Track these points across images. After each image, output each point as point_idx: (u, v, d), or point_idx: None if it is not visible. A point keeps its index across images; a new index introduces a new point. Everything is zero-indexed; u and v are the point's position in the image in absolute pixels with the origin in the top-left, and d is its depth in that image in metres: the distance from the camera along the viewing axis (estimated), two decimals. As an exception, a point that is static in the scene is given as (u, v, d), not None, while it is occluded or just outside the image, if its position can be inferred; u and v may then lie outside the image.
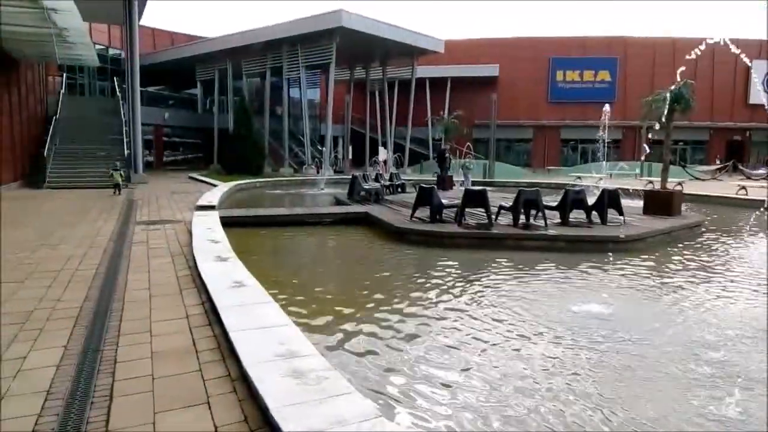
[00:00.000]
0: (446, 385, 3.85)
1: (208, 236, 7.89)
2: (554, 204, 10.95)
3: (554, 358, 4.37)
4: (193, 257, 6.46)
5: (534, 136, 47.08)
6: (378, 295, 6.22)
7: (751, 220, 11.08)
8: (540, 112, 45.97)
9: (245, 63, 33.62)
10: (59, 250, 7.32)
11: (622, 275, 7.42)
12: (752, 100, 43.77)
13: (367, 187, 15.44)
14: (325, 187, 21.35)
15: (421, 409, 3.51)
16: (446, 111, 30.30)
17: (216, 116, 35.92)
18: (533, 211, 10.78)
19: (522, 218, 10.58)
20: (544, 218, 10.36)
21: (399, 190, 17.94)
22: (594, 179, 20.29)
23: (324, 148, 30.88)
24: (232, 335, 3.78)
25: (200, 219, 9.86)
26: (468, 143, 28.67)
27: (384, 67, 37.47)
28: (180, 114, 36.84)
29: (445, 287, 6.59)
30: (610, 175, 22.55)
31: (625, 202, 11.89)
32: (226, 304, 4.48)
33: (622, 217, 11.05)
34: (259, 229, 10.94)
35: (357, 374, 3.97)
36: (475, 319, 5.37)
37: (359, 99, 40.29)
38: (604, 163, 23.54)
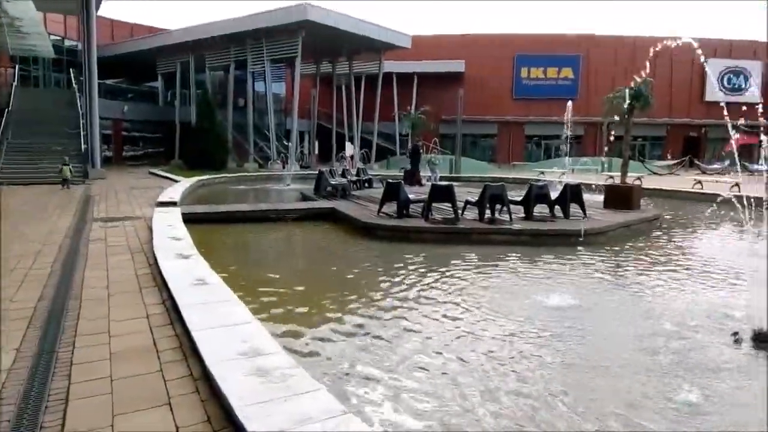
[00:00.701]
0: (416, 382, 3.85)
1: (170, 233, 7.69)
2: (519, 199, 11.13)
3: (517, 351, 4.43)
4: (154, 254, 6.28)
5: (499, 131, 47.74)
6: (344, 291, 6.19)
7: (707, 213, 11.49)
8: (505, 108, 46.62)
9: (208, 56, 32.92)
10: (12, 249, 7.01)
11: (584, 268, 7.59)
12: (708, 98, 45.44)
13: (333, 182, 15.36)
14: (291, 183, 21.12)
15: (391, 404, 3.50)
16: (413, 106, 30.38)
17: (177, 109, 35.05)
18: (498, 206, 10.92)
19: (488, 213, 10.70)
20: (509, 213, 10.51)
21: (366, 185, 17.90)
22: (557, 174, 20.72)
23: (290, 143, 30.54)
24: (195, 334, 3.68)
25: (161, 215, 9.61)
26: (435, 138, 28.86)
27: (351, 62, 37.32)
28: (140, 107, 35.80)
29: (411, 282, 6.60)
30: (573, 170, 23.06)
31: (586, 196, 12.17)
32: (188, 302, 4.37)
33: (584, 212, 11.30)
34: (224, 226, 10.75)
35: (325, 371, 3.93)
36: (441, 313, 5.40)
37: (326, 93, 40.01)
38: (567, 158, 24.06)
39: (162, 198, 12.42)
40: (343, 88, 38.85)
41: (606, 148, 21.77)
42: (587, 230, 9.71)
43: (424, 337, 4.70)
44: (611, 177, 19.47)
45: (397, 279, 6.74)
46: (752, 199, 7.89)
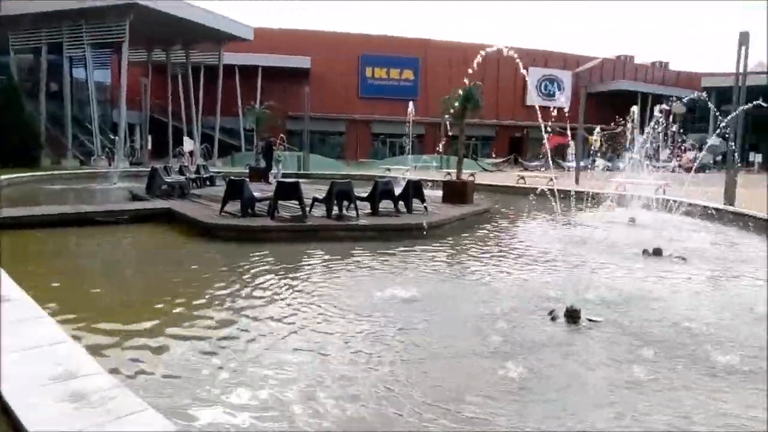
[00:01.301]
0: (253, 390, 3.64)
1: (-40, 242, 6.42)
2: (365, 195, 11.36)
3: (361, 341, 4.45)
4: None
5: (347, 129, 48.58)
6: (181, 299, 5.70)
7: (528, 205, 12.86)
8: (352, 106, 47.54)
9: (12, 36, 28.35)
10: None
11: (425, 259, 7.97)
12: (528, 102, 51.08)
13: (169, 180, 14.21)
14: (119, 181, 19.13)
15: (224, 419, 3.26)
16: (258, 101, 29.48)
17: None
18: (346, 203, 11.03)
19: (335, 209, 10.74)
20: (356, 209, 10.67)
21: (207, 183, 16.93)
22: (401, 171, 21.64)
23: (117, 137, 27.54)
24: (-9, 361, 3.08)
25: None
26: (281, 135, 28.35)
27: (187, 51, 34.96)
28: None
29: (257, 283, 6.33)
30: (415, 167, 24.29)
31: (427, 192, 12.87)
32: (-19, 324, 3.65)
33: (425, 206, 11.91)
34: (37, 231, 9.30)
35: (155, 389, 3.54)
36: (286, 312, 5.24)
37: (160, 84, 36.95)
38: (409, 156, 25.26)
39: (-49, 201, 10.39)
40: (180, 78, 36.29)
41: (439, 147, 23.39)
42: (428, 224, 10.24)
43: (267, 341, 4.49)
44: (449, 174, 20.89)
45: (241, 281, 6.40)
46: (562, 192, 8.97)
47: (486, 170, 35.24)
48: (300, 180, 11.64)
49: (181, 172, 16.37)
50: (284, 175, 18.70)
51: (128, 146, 31.14)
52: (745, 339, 4.69)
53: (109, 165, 24.69)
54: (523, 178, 22.79)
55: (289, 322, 4.98)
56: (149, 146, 33.45)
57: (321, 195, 10.84)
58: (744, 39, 14.79)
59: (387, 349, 4.37)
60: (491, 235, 10.80)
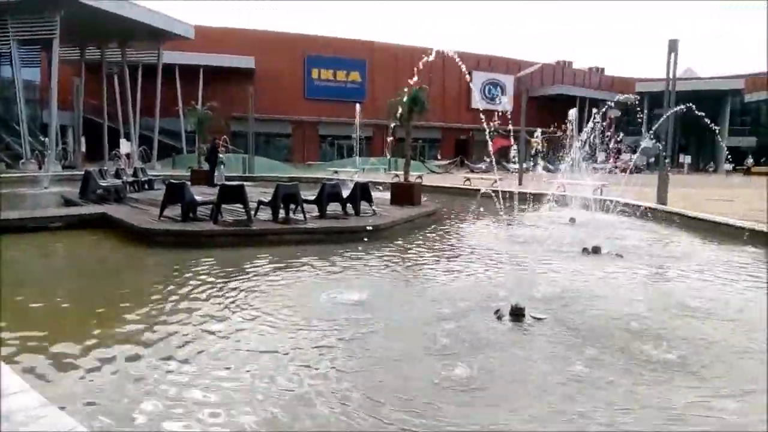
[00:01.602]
0: (201, 404, 3.48)
1: None
2: (312, 198, 11.21)
3: (307, 347, 4.35)
4: None
5: (293, 131, 48.01)
6: (117, 310, 5.40)
7: (473, 206, 13.08)
8: (298, 107, 47.03)
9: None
10: None
11: (374, 262, 7.93)
12: (473, 105, 52.12)
13: (105, 184, 13.55)
14: (51, 186, 18.07)
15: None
16: (200, 101, 28.61)
17: None
18: (292, 206, 10.84)
19: (282, 213, 10.54)
20: (303, 212, 10.51)
21: (146, 187, 16.26)
22: (349, 174, 21.58)
23: (47, 139, 25.99)
24: None
25: None
26: (224, 136, 27.65)
27: (124, 49, 33.50)
28: None
29: (197, 291, 6.08)
30: (363, 169, 24.30)
31: (375, 194, 12.85)
32: None
33: (373, 208, 11.89)
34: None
35: (85, 408, 3.31)
36: (231, 320, 5.06)
37: (94, 83, 35.24)
38: (357, 158, 25.24)
39: None
40: (116, 78, 34.73)
41: (386, 149, 23.52)
42: (376, 226, 10.23)
43: (211, 351, 4.32)
44: (397, 176, 21.00)
45: (179, 290, 6.12)
46: (506, 193, 9.16)
47: (433, 172, 35.70)
48: (245, 183, 11.35)
49: (117, 175, 15.65)
50: (228, 178, 18.24)
51: (60, 148, 29.47)
52: (679, 333, 4.90)
53: (40, 168, 23.30)
54: (469, 179, 23.21)
55: (230, 331, 4.79)
56: (83, 149, 31.80)
57: (267, 198, 10.61)
58: (673, 46, 15.65)
59: (333, 353, 4.29)
60: (439, 236, 10.90)
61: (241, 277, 6.73)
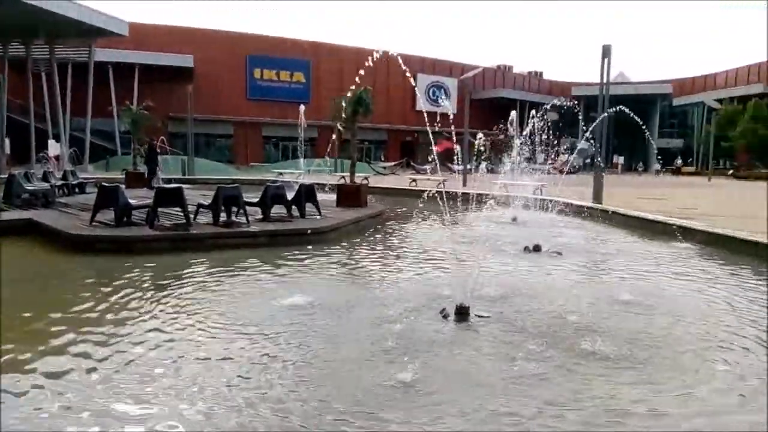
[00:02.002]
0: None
1: None
2: (255, 200, 10.92)
3: (249, 354, 4.19)
4: None
5: (235, 132, 46.90)
6: (39, 322, 5.02)
7: (419, 207, 13.17)
8: (240, 108, 46.01)
9: None
10: None
11: (320, 264, 7.80)
12: (418, 107, 52.67)
13: (31, 188, 12.68)
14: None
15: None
16: (135, 101, 27.40)
17: None
18: (234, 208, 10.52)
19: (223, 216, 10.21)
20: (246, 215, 10.22)
21: (76, 190, 15.38)
22: (294, 175, 21.26)
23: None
24: None
25: None
26: (162, 137, 26.59)
27: (52, 46, 31.63)
28: None
29: (131, 300, 5.75)
30: (309, 171, 24.00)
31: (322, 196, 12.70)
32: None
33: (318, 210, 11.72)
34: None
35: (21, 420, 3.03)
36: (172, 327, 4.81)
37: (19, 81, 33.07)
38: (302, 159, 24.91)
39: None
40: (43, 76, 32.75)
41: (329, 150, 23.38)
42: (322, 228, 10.10)
43: (140, 362, 4.07)
44: (343, 177, 20.87)
45: (110, 300, 5.77)
46: (451, 194, 9.26)
47: (379, 174, 35.78)
48: (184, 185, 10.92)
49: (45, 178, 14.70)
50: (166, 181, 17.55)
51: (-20, 150, 27.52)
52: (617, 327, 5.06)
53: (-44, 172, 21.61)
54: (415, 181, 23.38)
55: (160, 341, 4.54)
56: (7, 150, 29.77)
57: (207, 201, 10.24)
58: (606, 52, 16.35)
59: (277, 359, 4.15)
60: (385, 237, 10.88)
61: (177, 284, 6.44)
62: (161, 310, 5.40)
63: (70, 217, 10.61)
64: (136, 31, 34.21)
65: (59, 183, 15.01)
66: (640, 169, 53.21)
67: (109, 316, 5.22)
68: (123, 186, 10.85)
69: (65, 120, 33.05)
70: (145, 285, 6.39)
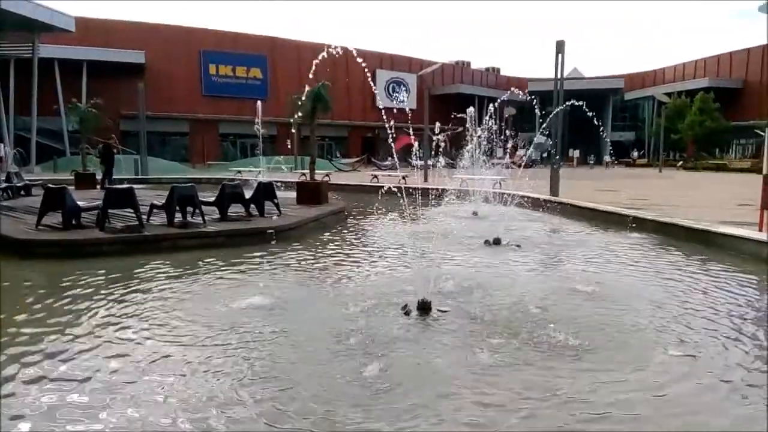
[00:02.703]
0: None
1: None
2: (212, 199, 10.64)
3: (217, 359, 4.06)
4: None
5: (191, 129, 45.72)
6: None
7: (380, 203, 13.13)
8: (196, 105, 44.87)
9: None
10: None
11: (280, 264, 7.66)
12: (378, 104, 52.54)
13: (-30, 191, 12.02)
14: None
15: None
16: (83, 98, 26.29)
17: None
18: (190, 209, 10.22)
19: (179, 216, 9.90)
20: (202, 215, 9.94)
21: (22, 193, 14.66)
22: (253, 173, 20.89)
23: None
24: None
25: None
26: (113, 136, 25.61)
27: (-8, 41, 30.06)
28: None
29: (79, 307, 5.49)
30: (268, 168, 23.63)
31: (282, 194, 12.49)
32: None
33: (278, 209, 11.52)
34: None
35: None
36: (128, 335, 4.61)
37: (-43, 79, 31.31)
38: (261, 157, 24.49)
39: None
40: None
41: (288, 144, 23.05)
42: (281, 226, 9.93)
43: (105, 375, 3.88)
44: (304, 174, 20.62)
45: (57, 307, 5.50)
46: (412, 189, 9.26)
47: (340, 170, 35.58)
48: (136, 186, 10.53)
49: (-14, 181, 13.96)
50: (118, 181, 16.93)
51: None
52: (576, 317, 5.16)
53: None
54: (376, 177, 23.34)
55: (113, 352, 4.35)
56: (-56, 152, 28.11)
57: (161, 201, 9.91)
58: (560, 48, 16.69)
59: (239, 362, 4.03)
60: (346, 234, 10.79)
61: (130, 288, 6.19)
62: (110, 317, 5.16)
63: (15, 220, 10.09)
64: (84, 26, 32.90)
65: (2, 186, 14.26)
66: (591, 162, 54.34)
67: (51, 321, 4.97)
68: (72, 188, 10.39)
69: (8, 119, 31.45)
70: (94, 290, 6.10)
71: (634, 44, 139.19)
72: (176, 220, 9.71)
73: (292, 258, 8.11)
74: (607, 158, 49.97)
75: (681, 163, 49.37)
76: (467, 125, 17.64)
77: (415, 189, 12.00)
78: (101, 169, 18.20)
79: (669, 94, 54.69)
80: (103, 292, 6.05)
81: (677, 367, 4.01)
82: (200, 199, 10.14)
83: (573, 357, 4.16)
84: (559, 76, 16.87)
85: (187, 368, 3.95)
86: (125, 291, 6.07)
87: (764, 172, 9.13)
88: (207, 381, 3.73)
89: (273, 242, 8.65)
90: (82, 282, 6.44)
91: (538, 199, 14.13)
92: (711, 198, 17.63)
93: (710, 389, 3.67)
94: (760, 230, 8.71)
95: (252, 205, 11.16)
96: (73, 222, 9.14)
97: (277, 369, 3.95)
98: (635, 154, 56.62)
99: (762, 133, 12.33)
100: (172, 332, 4.74)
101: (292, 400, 3.45)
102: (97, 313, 5.28)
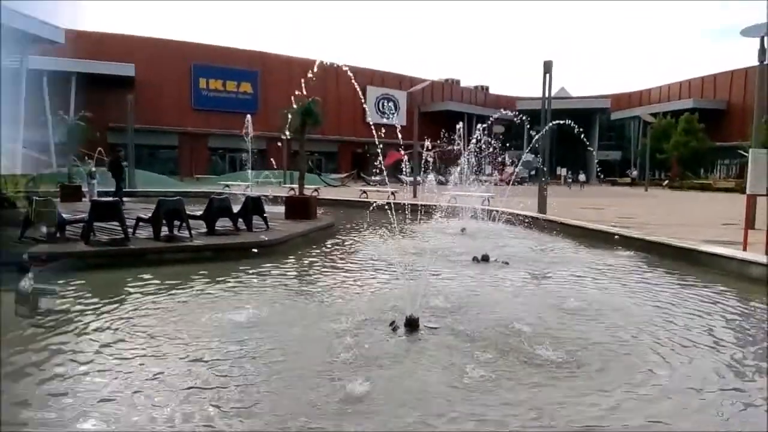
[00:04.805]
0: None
1: None
2: (199, 213, 10.56)
3: (193, 375, 3.98)
4: None
5: (180, 143, 45.58)
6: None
7: (369, 219, 13.11)
8: (185, 118, 44.80)
9: None
10: None
11: (268, 279, 7.59)
12: (368, 119, 52.82)
13: (-48, 202, 11.81)
14: None
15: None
16: (72, 111, 26.13)
17: None
18: (177, 222, 10.13)
19: (165, 230, 9.80)
20: (189, 229, 9.85)
21: (5, 205, 14.39)
22: (241, 187, 20.82)
23: None
24: None
25: None
26: (100, 148, 25.43)
27: (-21, 52, 29.80)
28: None
29: (61, 319, 5.39)
30: (257, 183, 23.55)
31: (270, 208, 12.43)
32: None
33: (266, 223, 11.45)
34: None
35: None
36: (108, 352, 4.51)
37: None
38: (250, 171, 24.42)
39: None
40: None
41: (272, 160, 23.04)
42: (269, 241, 9.87)
43: (87, 391, 3.79)
44: (292, 189, 20.59)
45: (49, 320, 5.39)
46: (401, 205, 9.25)
47: (330, 185, 35.58)
48: (123, 198, 10.43)
49: (-32, 192, 13.70)
50: (104, 194, 16.76)
51: None
52: (564, 334, 5.14)
53: None
54: (365, 192, 23.36)
55: (98, 367, 4.26)
56: (-73, 162, 27.67)
57: (148, 215, 9.81)
58: (548, 67, 16.93)
59: (225, 379, 3.96)
60: (335, 250, 10.73)
61: (113, 302, 6.08)
62: (93, 332, 5.06)
63: (-4, 233, 9.92)
64: (72, 38, 32.76)
65: (-15, 197, 14.02)
66: (569, 180, 53.35)
67: (32, 334, 4.85)
68: (57, 200, 10.26)
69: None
70: (77, 304, 5.99)
71: (620, 65, 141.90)
72: (163, 233, 9.61)
73: (279, 273, 8.04)
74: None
75: (666, 182, 50.07)
76: (456, 142, 17.78)
77: (404, 205, 12.02)
78: (121, 183, 17.85)
79: (654, 115, 55.64)
80: (80, 306, 5.92)
81: (664, 382, 4.01)
82: (188, 213, 10.06)
83: (564, 374, 4.14)
84: (546, 95, 17.09)
85: (157, 384, 3.86)
86: (104, 304, 5.94)
87: (748, 192, 9.27)
88: (170, 402, 3.61)
89: (260, 257, 8.58)
90: (62, 294, 6.31)
91: (526, 216, 14.20)
92: (697, 217, 17.87)
93: (692, 405, 3.68)
94: (744, 249, 8.82)
95: (240, 220, 11.09)
96: (58, 235, 9.01)
97: (256, 386, 3.87)
98: (635, 173, 56.28)
99: (745, 154, 12.56)
100: (146, 348, 4.63)
101: (269, 418, 3.38)
102: (71, 326, 5.17)
